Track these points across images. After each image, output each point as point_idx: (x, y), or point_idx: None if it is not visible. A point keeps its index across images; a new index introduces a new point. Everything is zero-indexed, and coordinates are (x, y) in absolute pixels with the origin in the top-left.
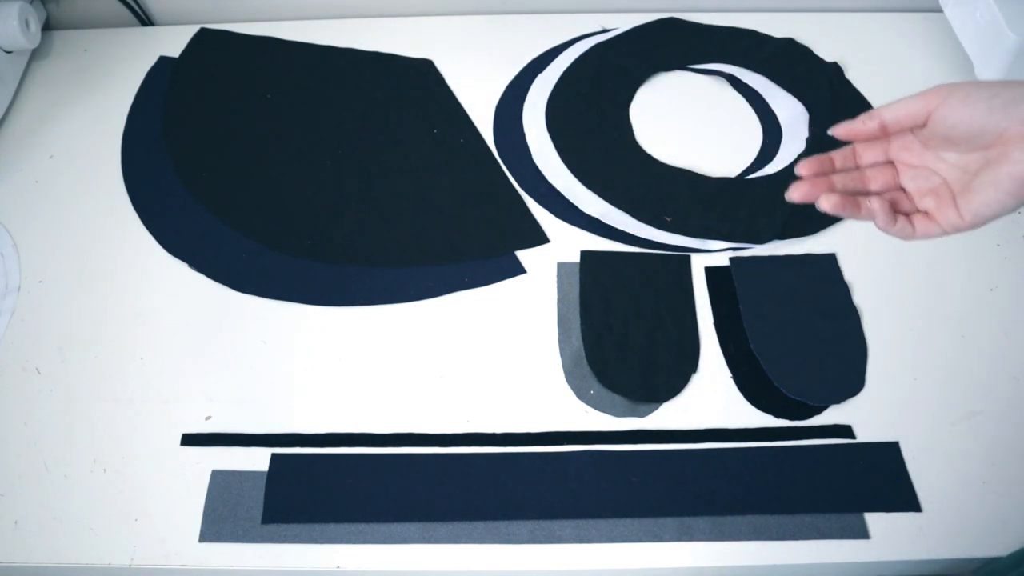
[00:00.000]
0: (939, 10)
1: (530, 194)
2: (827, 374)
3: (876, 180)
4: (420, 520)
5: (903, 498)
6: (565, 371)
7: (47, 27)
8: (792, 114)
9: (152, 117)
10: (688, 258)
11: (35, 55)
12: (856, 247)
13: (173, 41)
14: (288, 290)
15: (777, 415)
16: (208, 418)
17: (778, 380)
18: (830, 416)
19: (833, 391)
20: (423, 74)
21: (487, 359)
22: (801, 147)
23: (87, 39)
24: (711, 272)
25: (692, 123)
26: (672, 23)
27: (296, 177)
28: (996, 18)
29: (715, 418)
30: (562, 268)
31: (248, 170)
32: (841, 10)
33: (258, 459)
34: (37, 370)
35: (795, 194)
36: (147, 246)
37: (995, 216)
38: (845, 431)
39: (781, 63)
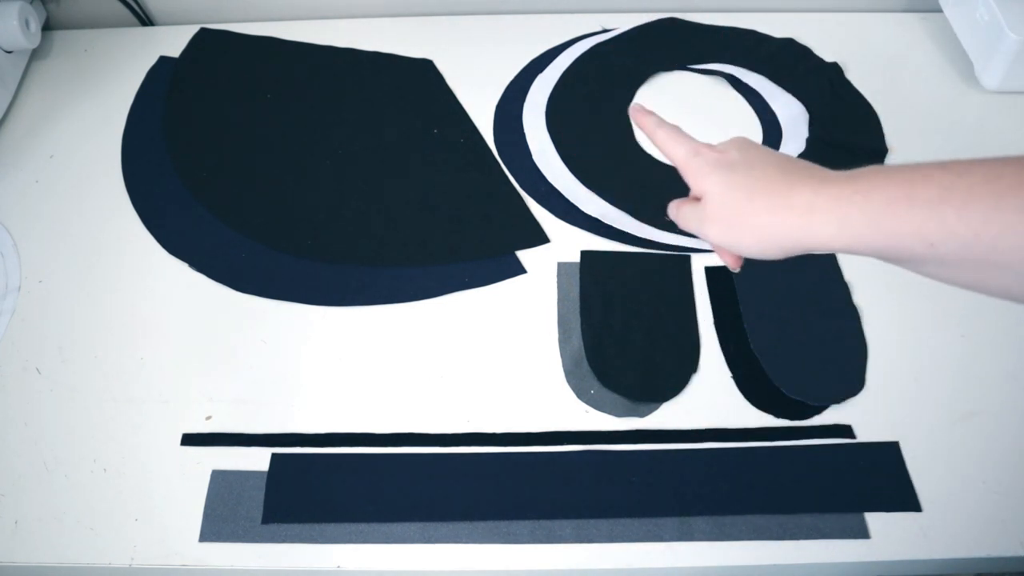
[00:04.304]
0: (939, 10)
1: (530, 194)
2: (827, 374)
3: None
4: (420, 520)
5: (903, 498)
6: (565, 371)
7: (47, 27)
8: (792, 114)
9: (152, 117)
10: (688, 258)
11: (35, 55)
12: None
13: (173, 41)
14: (288, 290)
15: (777, 415)
16: (208, 418)
17: (778, 380)
18: (830, 416)
19: (833, 391)
20: (423, 74)
21: (487, 359)
22: (801, 147)
23: (87, 39)
24: (711, 272)
25: (692, 123)
26: (672, 23)
27: (296, 177)
28: (996, 18)
29: (715, 418)
30: (562, 268)
31: (248, 170)
32: (841, 10)
33: (258, 459)
34: (37, 370)
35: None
36: (147, 246)
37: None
38: (845, 431)
39: (781, 63)
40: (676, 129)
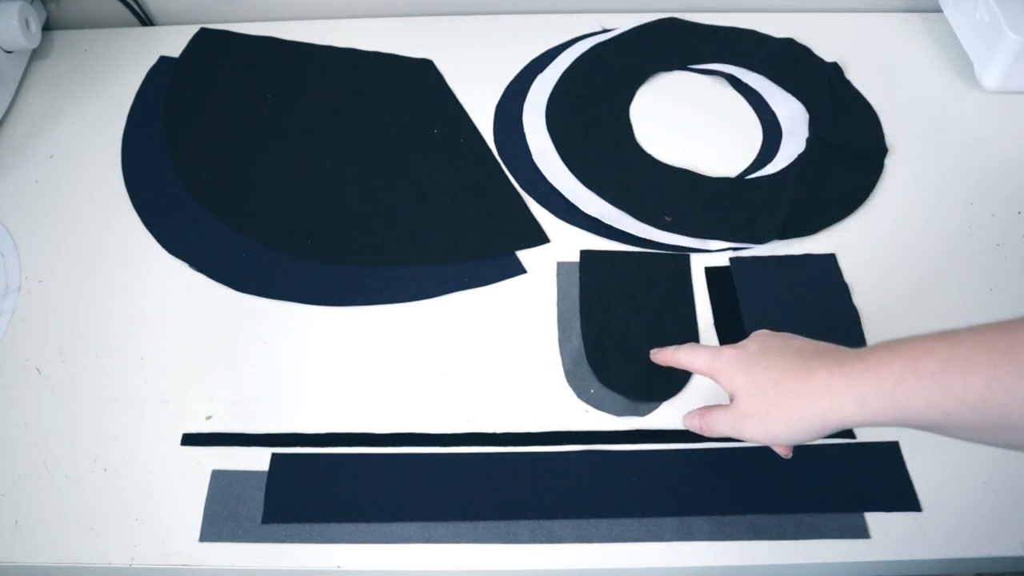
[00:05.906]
0: (939, 10)
1: (530, 194)
2: None
3: None
4: (420, 520)
5: (903, 498)
6: (565, 371)
7: (47, 27)
8: (792, 114)
9: (152, 117)
10: (688, 258)
11: (35, 55)
12: (856, 247)
13: (173, 41)
14: (288, 290)
15: None
16: (209, 418)
17: None
18: None
19: None
20: (423, 74)
21: (487, 359)
22: (801, 147)
23: (87, 39)
24: (711, 272)
25: (692, 123)
26: (672, 23)
27: (296, 177)
28: (996, 18)
29: None
30: (562, 268)
31: (248, 170)
32: (841, 10)
33: (258, 459)
34: (37, 370)
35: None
36: (147, 246)
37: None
38: (845, 431)
39: (781, 63)
40: (692, 344)
